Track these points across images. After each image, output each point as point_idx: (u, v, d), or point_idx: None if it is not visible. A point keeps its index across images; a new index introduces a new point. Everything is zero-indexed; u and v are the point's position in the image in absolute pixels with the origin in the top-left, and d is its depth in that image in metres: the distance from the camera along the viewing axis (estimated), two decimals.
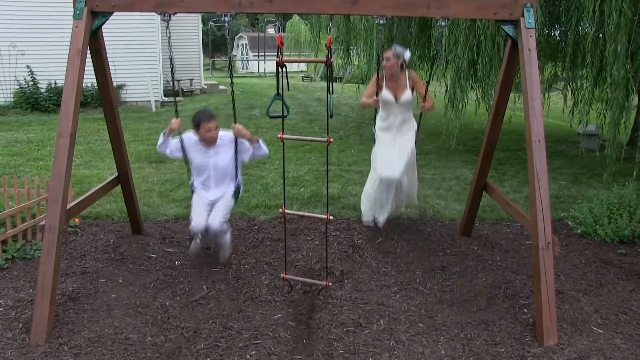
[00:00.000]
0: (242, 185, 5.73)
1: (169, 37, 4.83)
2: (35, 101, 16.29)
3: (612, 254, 5.96)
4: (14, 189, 5.88)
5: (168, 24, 4.61)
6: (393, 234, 6.40)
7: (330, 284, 4.82)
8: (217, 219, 5.16)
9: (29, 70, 16.32)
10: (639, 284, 5.24)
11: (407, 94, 5.86)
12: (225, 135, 5.37)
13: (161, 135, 5.39)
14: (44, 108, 16.22)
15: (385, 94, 5.84)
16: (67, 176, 4.28)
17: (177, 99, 20.10)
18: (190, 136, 5.40)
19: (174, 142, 5.42)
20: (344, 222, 6.79)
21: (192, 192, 5.57)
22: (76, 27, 4.40)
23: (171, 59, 5.05)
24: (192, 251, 5.54)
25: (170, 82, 20.84)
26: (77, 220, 6.31)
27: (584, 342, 4.16)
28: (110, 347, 3.99)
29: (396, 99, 5.87)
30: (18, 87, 16.41)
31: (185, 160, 5.49)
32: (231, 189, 5.47)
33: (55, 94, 16.48)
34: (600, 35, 7.64)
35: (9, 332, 4.14)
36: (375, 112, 6.10)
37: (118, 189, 5.96)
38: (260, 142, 5.35)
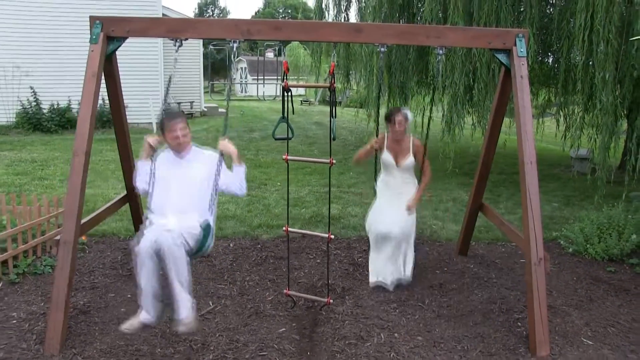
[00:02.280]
0: (213, 229, 4.36)
1: (175, 61, 5.00)
2: (37, 122, 16.50)
3: (602, 271, 6.19)
4: (23, 207, 6.06)
5: (178, 48, 4.81)
6: None
7: (331, 300, 5.00)
8: (170, 239, 3.95)
9: (32, 91, 16.54)
10: (627, 299, 5.48)
11: (409, 160, 5.62)
12: (206, 152, 4.61)
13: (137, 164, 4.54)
14: (46, 129, 16.43)
15: (386, 156, 5.63)
16: (81, 193, 4.48)
17: None
18: (163, 153, 4.54)
19: (143, 170, 4.47)
20: (344, 241, 7.00)
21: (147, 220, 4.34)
22: (92, 51, 4.63)
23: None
24: (128, 327, 4.25)
25: (170, 105, 21.11)
26: (84, 237, 6.48)
27: (574, 352, 4.38)
28: (122, 357, 4.16)
29: (397, 163, 5.62)
30: (21, 107, 16.64)
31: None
32: (196, 218, 4.25)
33: (58, 115, 16.75)
34: (591, 62, 7.93)
35: (23, 343, 4.31)
36: (376, 172, 5.87)
37: (123, 207, 6.15)
38: (244, 170, 4.56)
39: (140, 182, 4.44)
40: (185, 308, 4.04)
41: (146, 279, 4.01)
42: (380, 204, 5.71)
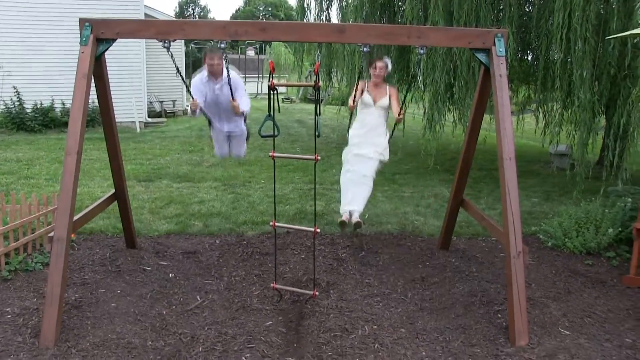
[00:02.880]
0: (248, 110, 6.50)
1: (174, 60, 5.10)
2: (21, 121, 16.44)
3: (580, 264, 6.39)
4: (12, 205, 6.12)
5: (168, 50, 4.93)
6: (375, 248, 6.76)
7: (317, 293, 5.14)
8: (239, 150, 6.91)
9: (15, 90, 16.49)
10: (603, 291, 5.67)
11: (385, 100, 6.44)
12: (232, 76, 6.03)
13: (190, 114, 6.30)
14: (29, 128, 16.39)
15: (366, 96, 6.43)
16: (74, 191, 4.57)
17: (160, 119, 20.30)
18: (201, 76, 6.26)
19: (194, 89, 6.21)
20: (328, 237, 7.13)
21: (210, 126, 6.63)
22: (82, 52, 4.72)
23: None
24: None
25: (153, 104, 21.15)
26: (73, 235, 6.55)
27: (552, 342, 4.54)
28: (114, 350, 4.26)
29: (374, 101, 6.42)
30: (4, 107, 16.56)
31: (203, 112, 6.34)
32: (242, 121, 6.56)
33: (41, 114, 16.71)
34: (569, 60, 8.14)
35: (19, 337, 4.40)
36: (351, 117, 6.66)
37: (110, 206, 6.27)
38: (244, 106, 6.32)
39: (198, 111, 6.16)
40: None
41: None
42: (351, 149, 6.54)
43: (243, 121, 6.55)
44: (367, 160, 6.40)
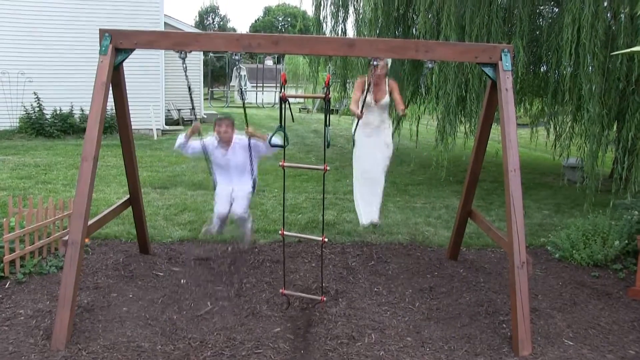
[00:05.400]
0: (257, 179, 6.40)
1: (187, 77, 5.22)
2: (40, 127, 16.81)
3: (587, 276, 6.42)
4: (29, 209, 6.28)
5: (184, 60, 5.07)
6: (385, 257, 6.84)
7: (325, 298, 5.22)
8: (240, 207, 6.10)
9: (35, 97, 16.83)
10: (609, 303, 5.69)
11: (385, 98, 6.56)
12: (242, 139, 6.16)
13: (181, 137, 6.11)
14: (48, 134, 16.74)
15: (367, 97, 6.38)
16: (89, 196, 4.71)
17: (177, 127, 20.49)
18: (212, 140, 6.19)
19: (195, 144, 6.13)
20: (339, 246, 7.23)
21: (215, 186, 6.31)
22: (102, 61, 4.87)
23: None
24: (204, 233, 6.46)
25: (171, 112, 21.38)
26: (87, 240, 6.68)
27: (555, 352, 4.59)
28: (124, 353, 4.37)
29: (375, 101, 6.52)
30: (24, 112, 16.95)
31: (206, 159, 6.21)
32: (249, 183, 6.24)
33: (60, 120, 17.07)
34: (577, 74, 8.19)
35: (31, 338, 4.52)
36: (357, 120, 6.57)
37: (124, 212, 6.40)
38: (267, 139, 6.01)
39: (191, 149, 6.16)
40: (248, 237, 6.59)
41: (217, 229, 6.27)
42: (361, 152, 6.78)
43: (252, 184, 6.28)
44: (375, 158, 6.63)
